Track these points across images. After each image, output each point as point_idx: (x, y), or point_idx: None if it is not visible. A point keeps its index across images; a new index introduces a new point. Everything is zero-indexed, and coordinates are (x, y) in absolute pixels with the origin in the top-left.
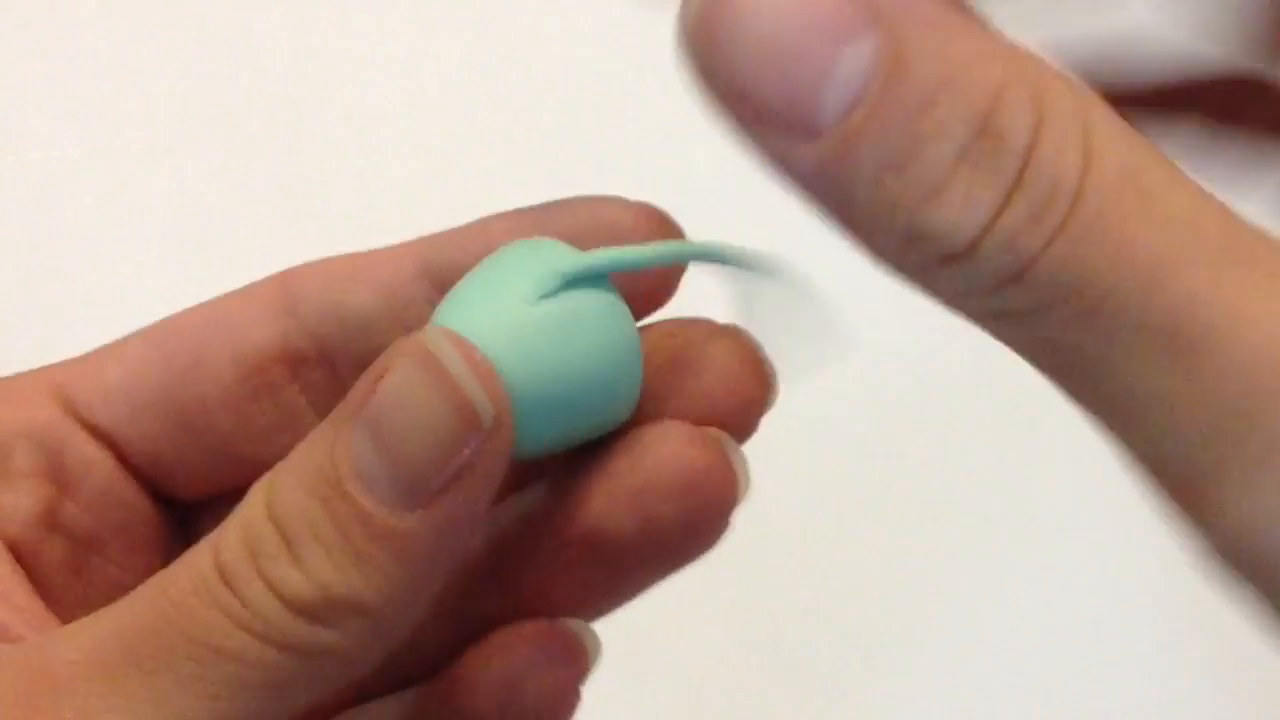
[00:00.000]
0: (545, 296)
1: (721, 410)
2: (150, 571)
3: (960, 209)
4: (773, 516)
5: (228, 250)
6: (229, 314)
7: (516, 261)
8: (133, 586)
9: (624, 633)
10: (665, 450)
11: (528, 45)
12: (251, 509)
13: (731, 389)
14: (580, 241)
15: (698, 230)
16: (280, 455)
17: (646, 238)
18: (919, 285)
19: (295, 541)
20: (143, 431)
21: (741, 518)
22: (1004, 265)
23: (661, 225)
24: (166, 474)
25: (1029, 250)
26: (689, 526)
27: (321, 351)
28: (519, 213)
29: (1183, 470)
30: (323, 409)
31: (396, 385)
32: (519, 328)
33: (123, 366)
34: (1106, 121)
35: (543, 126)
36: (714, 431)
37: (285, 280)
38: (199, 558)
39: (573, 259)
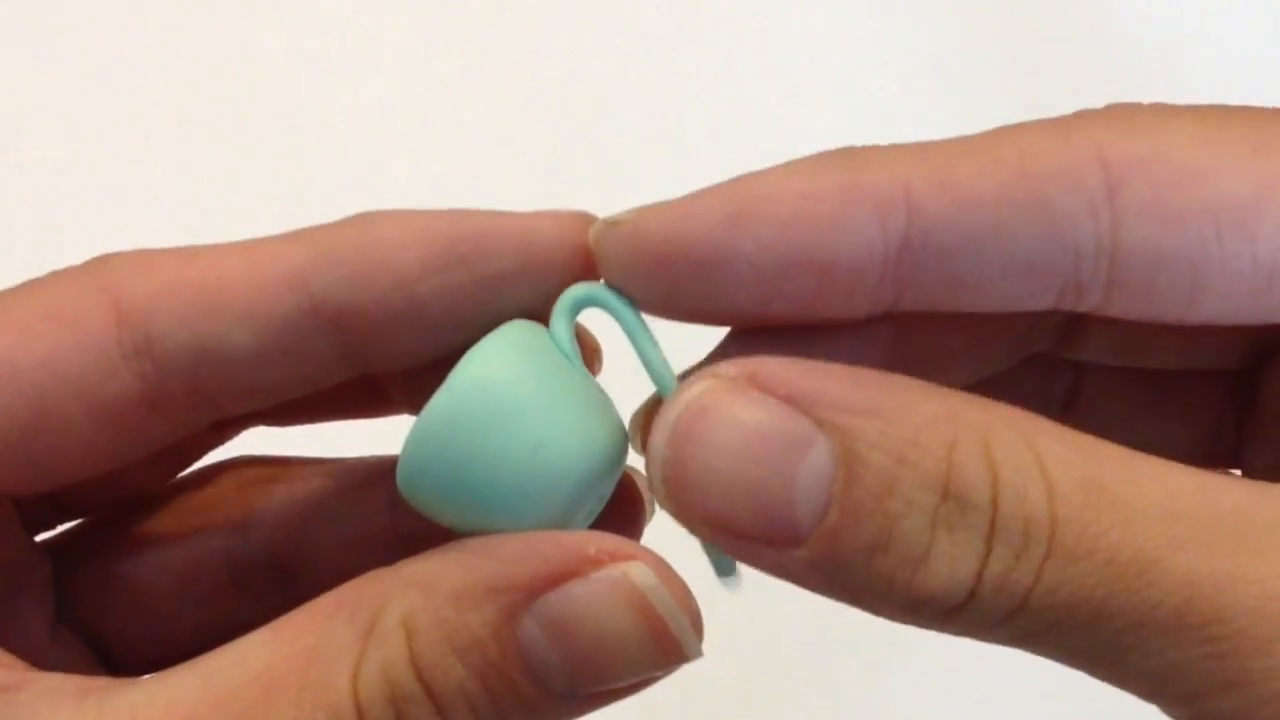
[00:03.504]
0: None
1: None
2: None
3: (949, 569)
4: None
5: None
6: (62, 357)
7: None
8: None
9: None
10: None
11: (527, 45)
12: (392, 651)
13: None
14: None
15: None
16: (147, 464)
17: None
18: (937, 631)
19: (446, 708)
20: None
21: None
22: (1002, 604)
23: (580, 239)
24: (11, 490)
25: (1022, 585)
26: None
27: (191, 388)
28: (410, 215)
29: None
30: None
31: (591, 603)
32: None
33: None
34: (1054, 442)
35: (542, 127)
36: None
37: (120, 311)
38: (328, 674)
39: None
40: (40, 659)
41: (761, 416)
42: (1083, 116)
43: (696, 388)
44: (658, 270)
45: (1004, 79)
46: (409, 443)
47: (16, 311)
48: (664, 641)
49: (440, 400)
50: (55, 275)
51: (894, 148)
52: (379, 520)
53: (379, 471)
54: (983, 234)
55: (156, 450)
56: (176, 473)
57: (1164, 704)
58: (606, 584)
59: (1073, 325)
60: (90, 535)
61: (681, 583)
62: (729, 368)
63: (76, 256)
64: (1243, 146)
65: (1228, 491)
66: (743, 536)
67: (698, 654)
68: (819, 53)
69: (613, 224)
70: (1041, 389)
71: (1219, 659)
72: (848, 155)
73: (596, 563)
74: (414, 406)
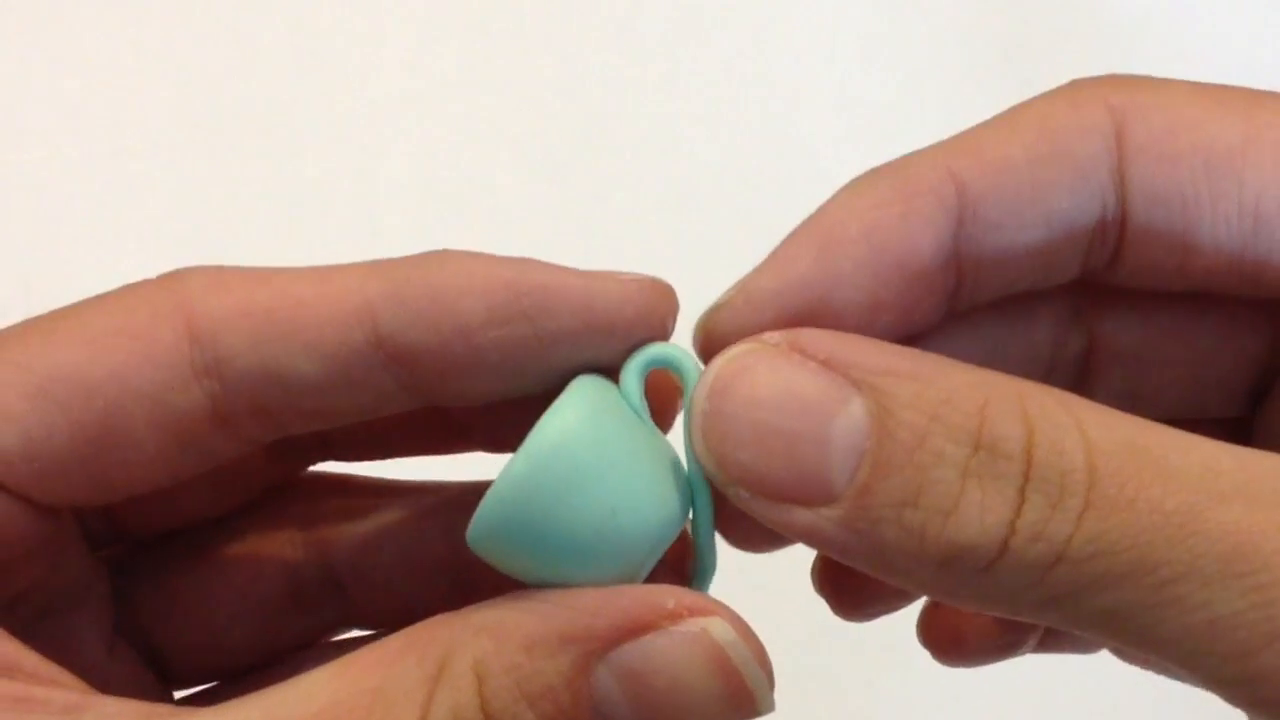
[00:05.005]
0: None
1: None
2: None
3: (979, 518)
4: None
5: (227, 249)
6: (133, 371)
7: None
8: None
9: None
10: None
11: (527, 45)
12: (463, 696)
13: None
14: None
15: (699, 223)
16: (213, 480)
17: (638, 315)
18: (972, 605)
19: None
20: (49, 489)
21: None
22: (1039, 555)
23: (651, 301)
24: (77, 506)
25: (1060, 534)
26: None
27: (256, 407)
28: (480, 261)
29: (1230, 651)
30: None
31: (668, 657)
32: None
33: (18, 427)
34: (1094, 411)
35: (542, 126)
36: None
37: (193, 329)
38: (394, 716)
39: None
40: (98, 674)
41: (799, 375)
42: (1085, 80)
43: (739, 348)
44: (774, 324)
45: (1003, 80)
46: (486, 505)
47: (90, 324)
48: (738, 695)
49: (519, 466)
50: (130, 288)
51: (927, 147)
52: (439, 547)
53: (441, 498)
54: (1021, 196)
55: (221, 464)
56: (244, 500)
57: (1209, 666)
58: (686, 639)
59: (1085, 369)
60: (151, 550)
61: (757, 639)
62: (772, 335)
63: (76, 256)
64: (1235, 103)
65: (1265, 458)
66: (775, 494)
67: (770, 709)
68: (819, 53)
69: (719, 307)
70: None
71: (1267, 608)
72: (890, 166)
73: (675, 616)
74: (488, 443)
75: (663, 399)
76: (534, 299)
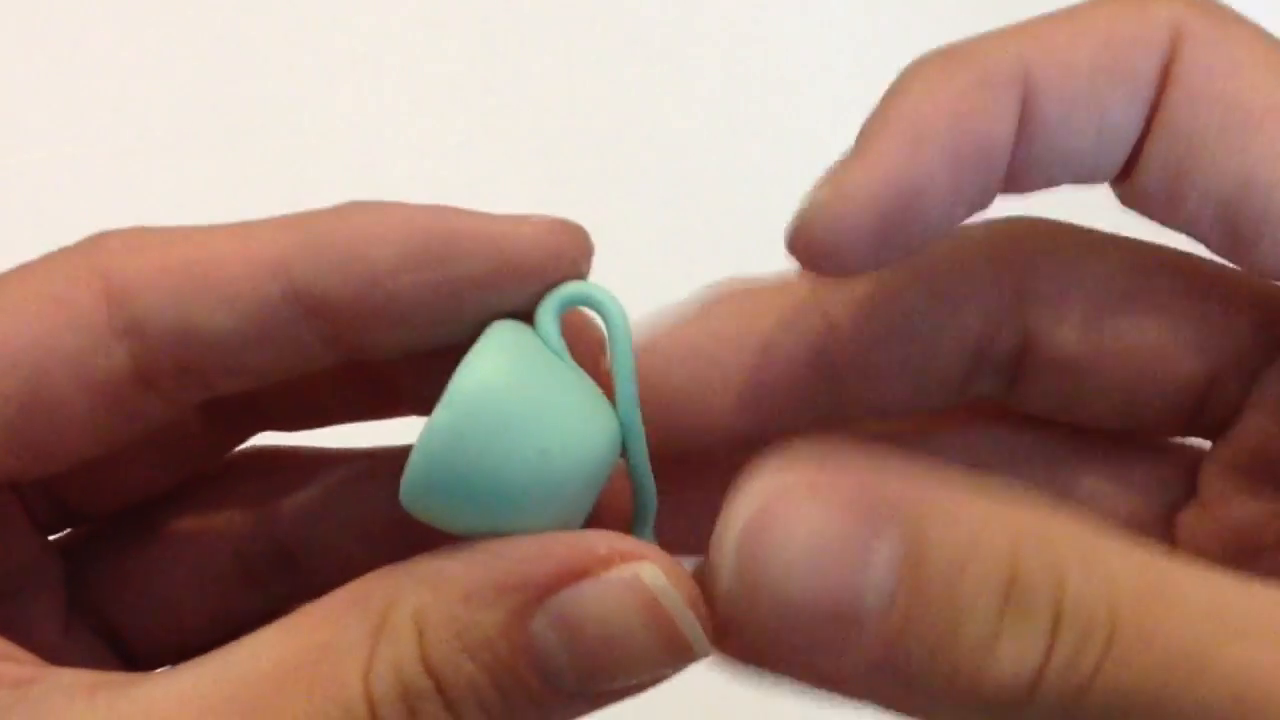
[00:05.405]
0: None
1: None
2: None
3: (1013, 661)
4: None
5: None
6: (53, 337)
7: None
8: None
9: None
10: None
11: (527, 45)
12: (404, 648)
13: None
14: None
15: (699, 217)
16: (152, 452)
17: (550, 256)
18: None
19: (457, 705)
20: None
21: None
22: (1064, 695)
23: (564, 244)
24: (13, 480)
25: (1082, 677)
26: None
27: (179, 366)
28: (393, 209)
29: None
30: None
31: (602, 603)
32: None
33: None
34: (1117, 544)
35: (542, 126)
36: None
37: (110, 290)
38: (340, 670)
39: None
40: (53, 654)
41: (828, 523)
42: None
43: (760, 493)
44: (873, 220)
45: None
46: (413, 462)
47: (9, 294)
48: (674, 641)
49: (441, 417)
50: (50, 256)
51: (997, 32)
52: (384, 511)
53: (383, 462)
54: (1079, 102)
55: (156, 432)
56: (186, 474)
57: None
58: (617, 584)
59: (1018, 366)
60: (102, 530)
61: (691, 582)
62: (796, 466)
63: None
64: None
65: (1263, 588)
66: (809, 640)
67: (707, 653)
68: (818, 52)
69: (812, 206)
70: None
71: None
72: (962, 51)
73: (607, 563)
74: (418, 404)
75: (581, 340)
76: (444, 243)
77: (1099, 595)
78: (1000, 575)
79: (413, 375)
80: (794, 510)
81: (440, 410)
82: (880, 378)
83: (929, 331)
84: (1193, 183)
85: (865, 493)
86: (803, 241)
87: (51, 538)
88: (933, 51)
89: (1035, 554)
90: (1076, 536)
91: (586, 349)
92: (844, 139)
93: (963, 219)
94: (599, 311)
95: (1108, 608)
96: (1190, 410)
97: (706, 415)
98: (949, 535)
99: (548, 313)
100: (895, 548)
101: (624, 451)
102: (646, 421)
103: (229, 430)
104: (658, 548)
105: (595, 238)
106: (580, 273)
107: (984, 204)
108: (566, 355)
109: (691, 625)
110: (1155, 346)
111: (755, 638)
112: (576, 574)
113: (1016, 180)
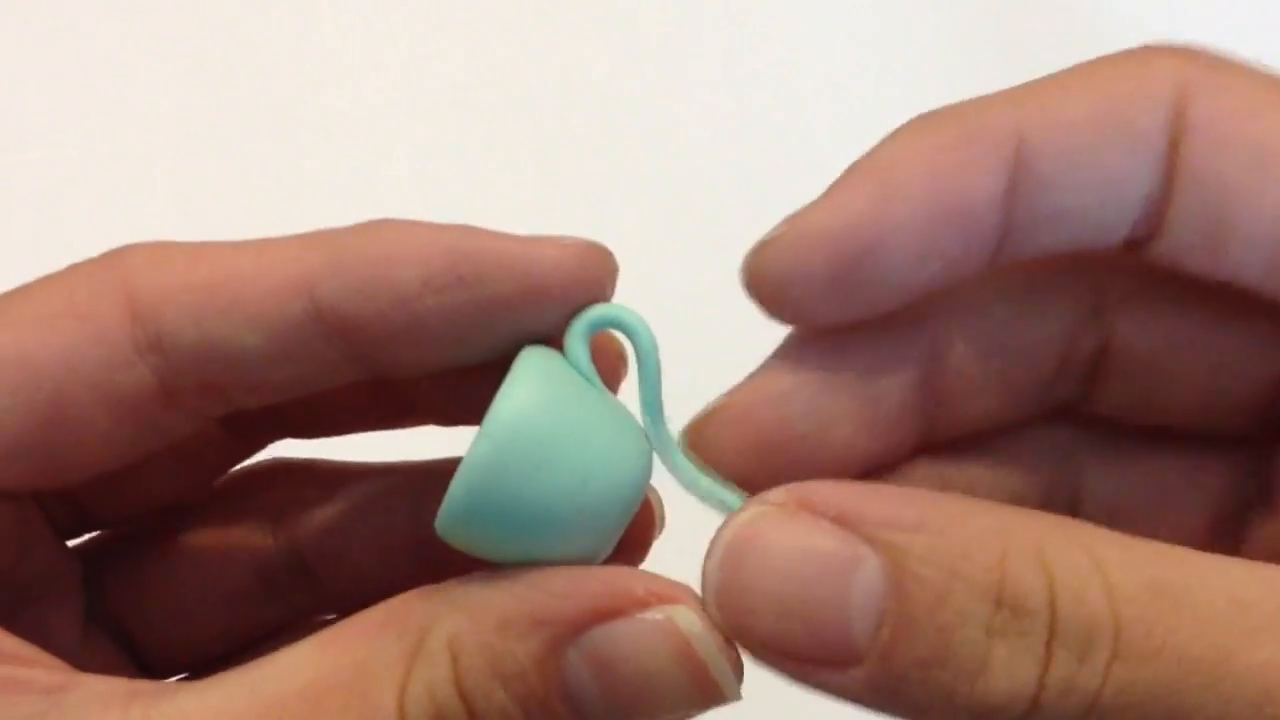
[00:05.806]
0: None
1: None
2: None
3: (1008, 677)
4: None
5: None
6: (78, 352)
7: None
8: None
9: None
10: None
11: (526, 45)
12: (438, 672)
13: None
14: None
15: (699, 217)
16: (173, 461)
17: (571, 280)
18: None
19: None
20: (5, 474)
21: None
22: (1071, 707)
23: (586, 269)
24: (37, 490)
25: (1090, 688)
26: None
27: (202, 382)
28: (417, 228)
29: None
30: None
31: (636, 643)
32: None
33: None
34: (1111, 546)
35: (542, 126)
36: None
37: (134, 306)
38: (374, 690)
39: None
40: (71, 659)
41: (811, 539)
42: (1155, 47)
43: (746, 514)
44: (826, 264)
45: (1002, 78)
46: (453, 494)
47: (34, 308)
48: (704, 684)
49: (481, 449)
50: (72, 269)
51: (990, 95)
52: (403, 527)
53: (404, 479)
54: (1077, 159)
55: (177, 443)
56: (208, 484)
57: None
58: (651, 625)
59: (1095, 370)
60: (121, 537)
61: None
62: (777, 494)
63: (77, 256)
64: None
65: None
66: (799, 659)
67: (737, 697)
68: (818, 53)
69: (767, 243)
70: (1049, 483)
71: None
72: (952, 111)
73: (643, 604)
74: (439, 416)
75: (608, 362)
76: (470, 265)
77: (1098, 601)
78: (988, 591)
79: (433, 388)
80: (778, 528)
81: (480, 441)
82: (979, 395)
83: (1022, 343)
84: (1233, 229)
85: (851, 511)
86: (753, 275)
87: (71, 543)
88: (926, 112)
89: (1024, 566)
90: (1067, 545)
91: (609, 369)
92: (851, 152)
93: (945, 278)
94: (627, 334)
95: (1109, 612)
96: (1264, 410)
97: (827, 456)
98: (934, 548)
99: (577, 337)
100: (881, 564)
101: None
102: (771, 472)
103: (247, 439)
104: (692, 590)
105: (596, 233)
106: (605, 295)
107: (973, 265)
108: (597, 380)
109: (723, 669)
110: (1232, 345)
111: (752, 654)
112: (612, 612)
113: (1015, 242)
